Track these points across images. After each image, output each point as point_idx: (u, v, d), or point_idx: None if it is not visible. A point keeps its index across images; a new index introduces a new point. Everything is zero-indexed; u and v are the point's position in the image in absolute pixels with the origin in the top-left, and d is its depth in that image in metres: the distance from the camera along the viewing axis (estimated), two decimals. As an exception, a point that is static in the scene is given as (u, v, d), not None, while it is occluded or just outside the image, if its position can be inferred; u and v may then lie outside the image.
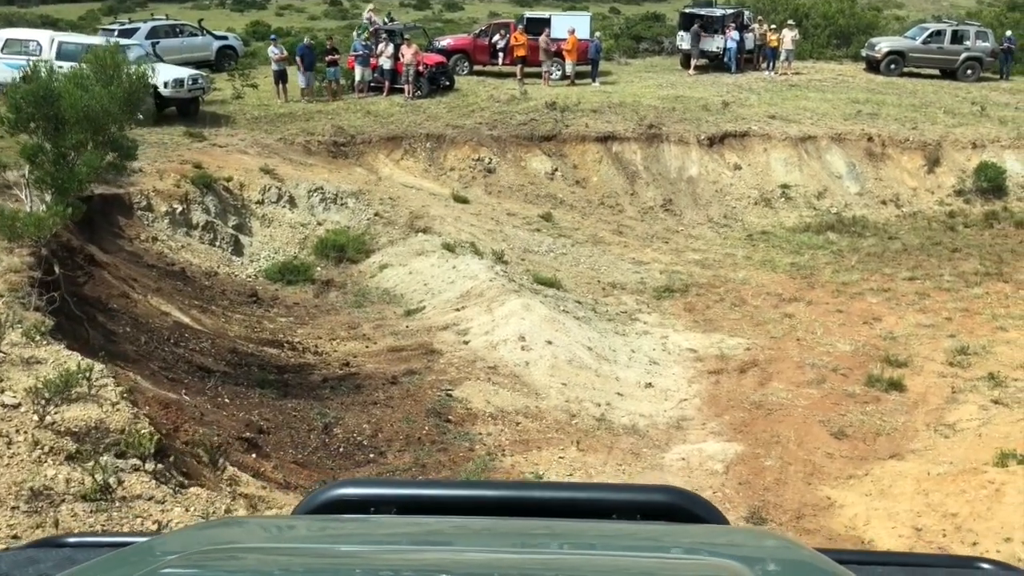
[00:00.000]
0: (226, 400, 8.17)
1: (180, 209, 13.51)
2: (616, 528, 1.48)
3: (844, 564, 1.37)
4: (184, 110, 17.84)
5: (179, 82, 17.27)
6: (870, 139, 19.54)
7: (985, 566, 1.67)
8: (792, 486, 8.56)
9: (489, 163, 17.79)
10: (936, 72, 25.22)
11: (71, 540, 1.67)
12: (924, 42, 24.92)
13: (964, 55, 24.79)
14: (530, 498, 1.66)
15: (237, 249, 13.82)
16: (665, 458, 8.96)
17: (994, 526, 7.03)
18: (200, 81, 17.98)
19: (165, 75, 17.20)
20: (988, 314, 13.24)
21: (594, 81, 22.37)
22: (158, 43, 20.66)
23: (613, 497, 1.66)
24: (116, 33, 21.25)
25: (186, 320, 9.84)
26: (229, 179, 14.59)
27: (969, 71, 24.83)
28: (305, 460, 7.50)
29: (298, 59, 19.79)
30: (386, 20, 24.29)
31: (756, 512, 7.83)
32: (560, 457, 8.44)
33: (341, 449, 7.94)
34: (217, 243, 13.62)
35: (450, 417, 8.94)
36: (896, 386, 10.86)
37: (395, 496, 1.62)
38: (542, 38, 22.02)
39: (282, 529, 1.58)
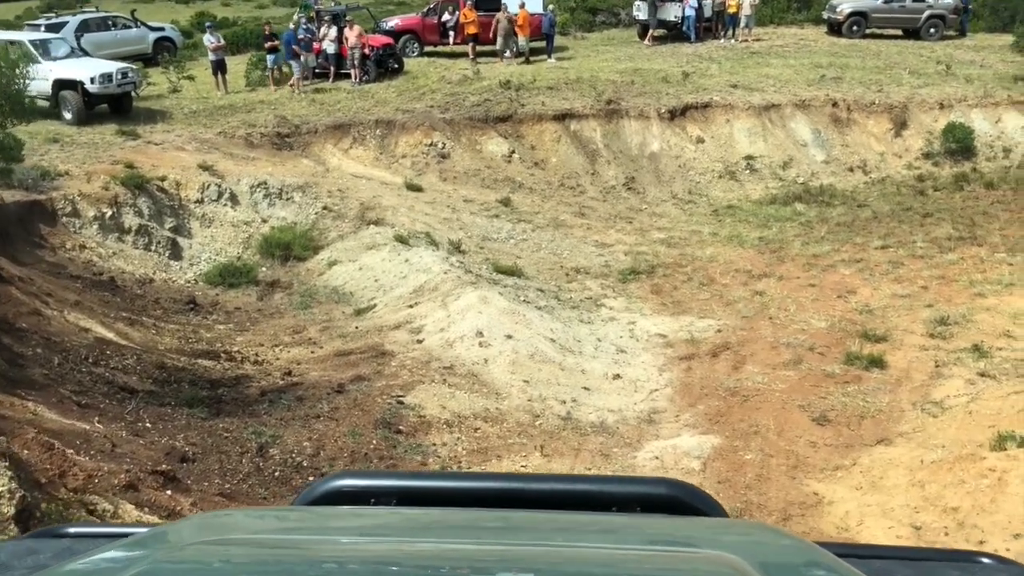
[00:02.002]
0: (147, 425, 7.35)
1: (110, 213, 12.58)
2: (616, 520, 1.48)
3: (843, 557, 1.37)
4: (116, 107, 16.84)
5: (107, 77, 16.25)
6: (835, 104, 18.95)
7: (985, 560, 1.65)
8: (775, 482, 7.91)
9: (443, 148, 16.97)
10: (899, 32, 24.70)
11: (71, 531, 1.66)
12: (886, 1, 24.36)
13: (927, 13, 24.29)
14: (530, 490, 1.65)
15: (175, 253, 12.92)
16: (637, 457, 8.27)
17: (1000, 520, 6.42)
18: (130, 75, 16.95)
19: (92, 70, 16.17)
20: (965, 280, 12.70)
21: (549, 57, 21.57)
22: (82, 37, 19.49)
23: (613, 489, 1.65)
24: (43, 28, 20.13)
25: (109, 335, 8.98)
26: (164, 178, 13.65)
27: (932, 29, 24.34)
28: (233, 490, 6.71)
29: (289, 46, 18.96)
30: (333, 2, 23.24)
31: (739, 515, 7.16)
32: (522, 465, 7.72)
33: (277, 473, 7.16)
34: (153, 248, 12.72)
35: (401, 428, 8.19)
36: (877, 363, 10.27)
37: (395, 487, 1.62)
38: (502, 15, 21.11)
39: (282, 520, 1.56)
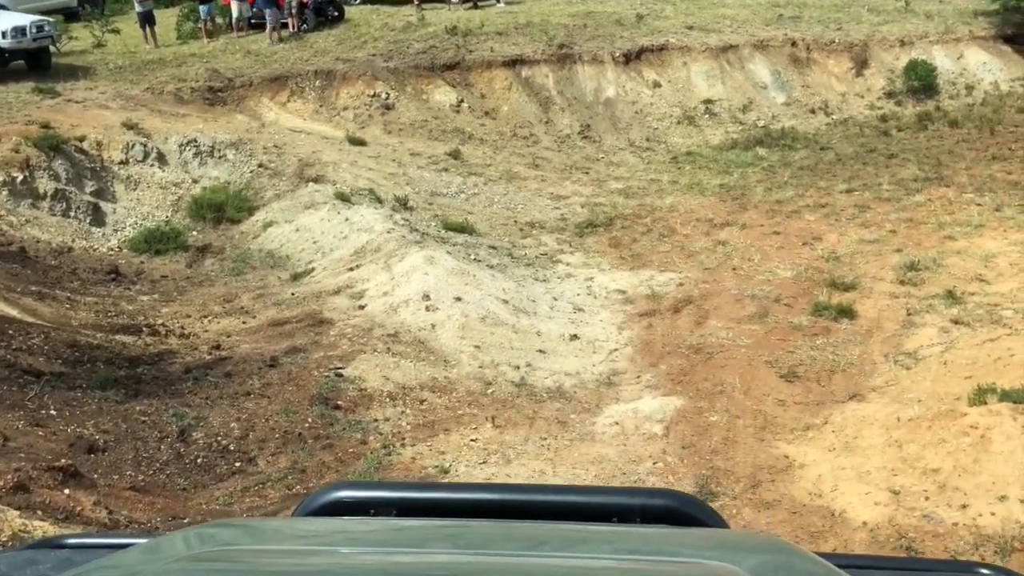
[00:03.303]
0: (52, 412, 6.60)
1: (21, 178, 11.61)
2: (615, 532, 1.47)
3: (842, 568, 1.38)
4: (33, 63, 15.69)
5: (20, 31, 15.08)
6: (794, 44, 18.32)
7: (985, 572, 1.64)
8: (743, 445, 7.38)
9: (387, 99, 16.08)
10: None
11: (71, 542, 1.64)
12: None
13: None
14: (529, 501, 1.65)
15: (97, 219, 12.00)
16: (596, 424, 7.69)
17: (984, 482, 5.94)
18: (47, 28, 15.78)
19: (3, 24, 14.99)
20: (933, 223, 12.24)
21: (498, 1, 20.60)
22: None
23: (613, 501, 1.66)
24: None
25: (12, 313, 8.15)
26: (83, 139, 12.67)
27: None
28: (148, 482, 6.02)
29: None
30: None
31: (705, 483, 6.63)
32: (472, 440, 7.10)
33: (200, 460, 6.47)
34: (72, 214, 11.79)
35: (339, 403, 7.51)
36: (846, 313, 9.77)
37: (394, 498, 1.62)
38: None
39: (281, 531, 1.55)
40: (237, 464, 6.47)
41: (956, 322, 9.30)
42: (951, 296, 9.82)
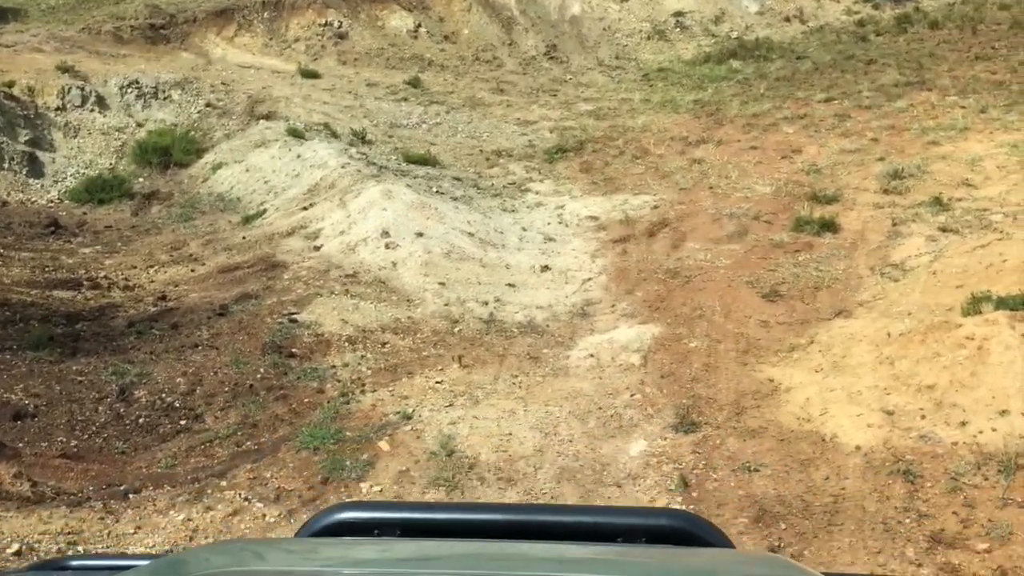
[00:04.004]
0: (-26, 379, 6.06)
1: (-52, 130, 10.85)
2: (621, 552, 1.48)
3: None
4: (-42, 8, 14.73)
5: (-60, -27, 14.08)
6: (765, -51, 17.50)
7: None
8: (725, 370, 6.96)
9: (339, 27, 15.26)
10: None
11: (74, 563, 1.65)
12: None
13: None
14: (535, 522, 1.65)
15: (35, 170, 11.28)
16: (570, 358, 7.24)
17: (983, 396, 5.54)
18: (-30, -31, 14.77)
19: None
20: (916, 128, 11.73)
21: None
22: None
23: (618, 521, 1.64)
24: None
25: (-65, 274, 7.55)
26: (11, 84, 11.85)
27: None
28: (83, 447, 5.54)
29: None
30: None
31: (687, 414, 6.20)
32: (438, 382, 6.63)
33: (142, 419, 5.98)
34: (6, 166, 11.06)
35: (294, 350, 7.01)
36: (828, 226, 9.31)
37: (399, 519, 1.61)
38: None
39: (285, 551, 1.54)
40: (182, 422, 5.98)
41: (944, 230, 8.86)
42: (937, 203, 9.37)
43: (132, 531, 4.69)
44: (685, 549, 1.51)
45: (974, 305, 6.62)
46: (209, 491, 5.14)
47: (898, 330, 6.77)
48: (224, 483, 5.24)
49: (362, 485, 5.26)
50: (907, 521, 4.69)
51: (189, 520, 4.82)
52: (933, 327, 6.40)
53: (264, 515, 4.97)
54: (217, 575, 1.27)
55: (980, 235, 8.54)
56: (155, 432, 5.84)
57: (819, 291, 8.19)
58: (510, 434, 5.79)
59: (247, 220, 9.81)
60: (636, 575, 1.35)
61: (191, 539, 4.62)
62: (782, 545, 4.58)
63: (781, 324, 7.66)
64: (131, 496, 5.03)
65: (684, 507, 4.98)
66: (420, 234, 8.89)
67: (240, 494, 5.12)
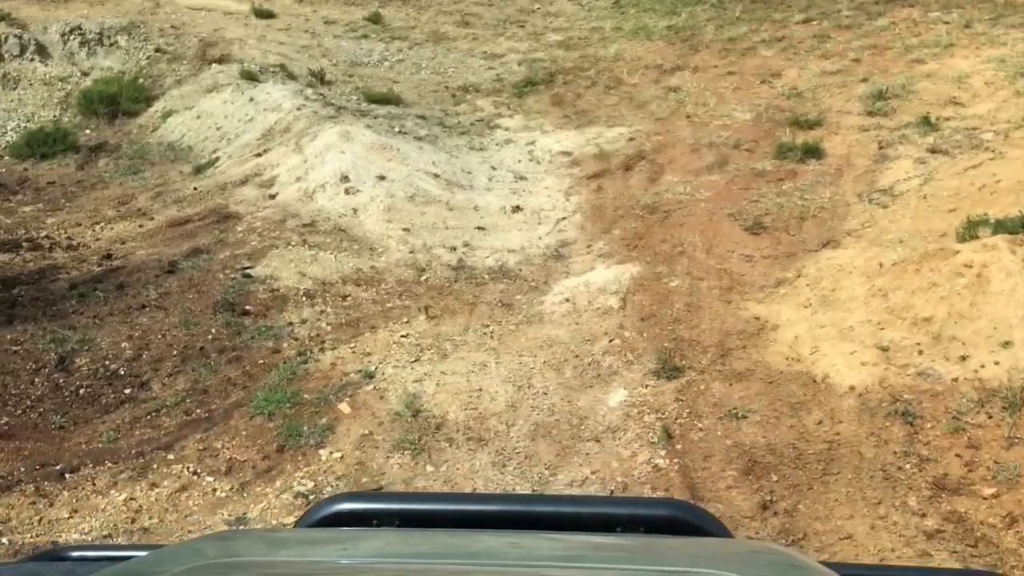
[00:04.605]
0: None
1: None
2: (619, 542, 1.47)
3: None
4: None
5: None
6: None
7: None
8: (708, 310, 6.57)
9: (293, -37, 14.44)
10: None
11: (74, 554, 1.65)
12: None
13: None
14: (534, 512, 1.63)
15: (-28, 126, 10.61)
16: (544, 303, 6.83)
17: (983, 328, 5.17)
18: None
19: None
20: (899, 47, 11.23)
21: None
22: None
23: (617, 511, 1.63)
24: None
25: None
26: (-58, 35, 11.10)
27: None
28: (15, 424, 5.09)
29: None
30: None
31: (668, 358, 5.82)
32: (403, 336, 6.20)
33: (82, 390, 5.53)
34: (-60, 123, 10.39)
35: (248, 308, 6.55)
36: (812, 152, 8.87)
37: (397, 510, 1.61)
38: None
39: (283, 542, 1.54)
40: (127, 391, 5.54)
41: (933, 151, 8.44)
42: (925, 123, 8.93)
43: (67, 515, 4.29)
44: (684, 539, 1.49)
45: (970, 229, 6.23)
46: (155, 466, 4.73)
47: (890, 259, 6.39)
48: (171, 456, 4.83)
49: (321, 452, 4.87)
50: (907, 467, 4.35)
51: (131, 500, 4.41)
52: (928, 255, 6.01)
53: (215, 489, 4.58)
54: (213, 565, 1.27)
55: (971, 155, 8.13)
56: (97, 403, 5.40)
57: (805, 221, 7.79)
58: (480, 390, 5.39)
59: (199, 170, 9.25)
60: (635, 563, 1.33)
61: (133, 521, 4.23)
62: (774, 499, 4.23)
63: (766, 258, 7.27)
64: (67, 476, 4.61)
65: (668, 460, 4.62)
66: (382, 177, 8.37)
67: (188, 468, 4.71)
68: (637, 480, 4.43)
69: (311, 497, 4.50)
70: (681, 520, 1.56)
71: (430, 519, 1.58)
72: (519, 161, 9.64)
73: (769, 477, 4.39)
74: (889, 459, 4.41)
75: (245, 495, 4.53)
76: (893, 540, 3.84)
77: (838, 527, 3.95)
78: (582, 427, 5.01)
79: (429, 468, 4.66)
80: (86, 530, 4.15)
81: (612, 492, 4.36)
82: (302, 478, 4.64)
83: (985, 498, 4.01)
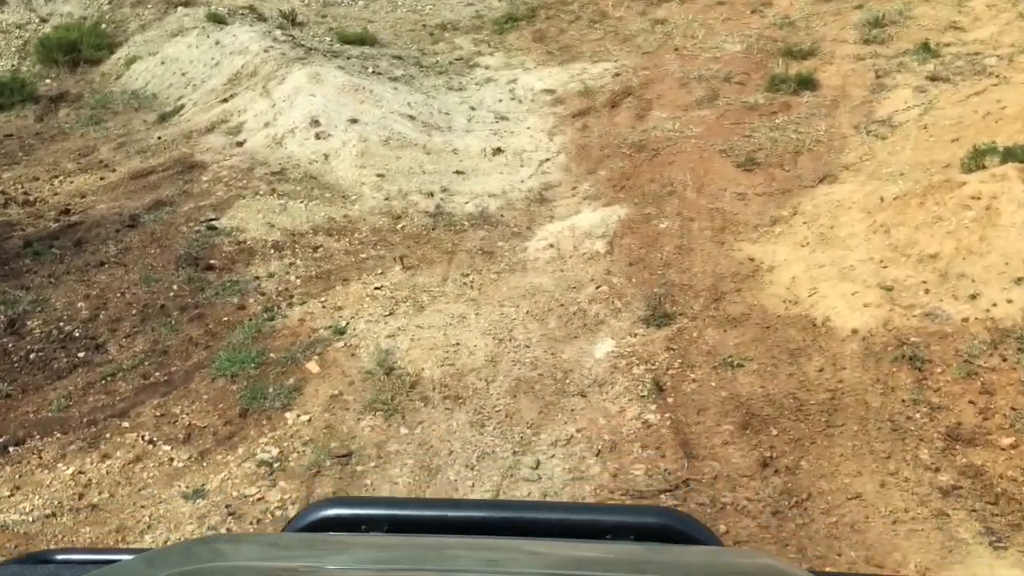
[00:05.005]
0: None
1: None
2: (608, 549, 1.48)
3: None
4: None
5: None
6: None
7: None
8: (700, 252, 6.22)
9: (260, -101, 13.69)
10: None
11: (58, 557, 1.65)
12: None
13: None
14: (523, 519, 1.64)
15: (-75, 78, 10.07)
16: (528, 250, 6.47)
17: (994, 263, 4.83)
18: None
19: None
20: (896, -30, 10.69)
21: None
22: None
23: (607, 518, 1.63)
24: None
25: None
26: None
27: None
28: (-41, 395, 4.73)
29: None
30: None
31: (659, 304, 5.49)
32: (377, 288, 5.84)
33: (33, 355, 5.18)
34: None
35: (212, 262, 6.17)
36: (806, 83, 8.44)
37: (386, 516, 1.61)
38: None
39: (270, 547, 1.54)
40: (81, 355, 5.19)
41: (933, 78, 8.02)
42: (924, 50, 8.48)
43: (8, 493, 3.96)
44: (673, 547, 1.49)
45: (976, 159, 5.86)
46: (108, 435, 4.40)
47: (891, 193, 6.02)
48: (126, 424, 4.50)
49: (287, 415, 4.54)
50: (918, 416, 4.03)
51: (80, 473, 4.09)
52: (932, 187, 5.64)
53: (171, 459, 4.25)
54: (201, 570, 1.26)
55: (973, 82, 7.71)
56: (48, 368, 5.05)
57: (800, 156, 7.40)
58: (458, 344, 5.05)
59: (163, 118, 8.78)
60: (624, 571, 1.33)
61: (80, 497, 3.90)
62: (774, 455, 3.92)
63: (760, 195, 6.90)
64: (11, 450, 4.28)
65: (659, 415, 4.31)
66: (354, 121, 7.93)
67: (144, 436, 4.38)
68: (626, 438, 4.12)
69: (275, 465, 4.18)
70: (670, 528, 1.54)
71: (418, 525, 1.57)
72: (500, 101, 9.19)
73: (768, 431, 4.07)
74: (897, 408, 4.10)
75: (204, 464, 4.21)
76: (906, 499, 3.54)
77: (845, 486, 3.64)
78: (567, 381, 4.68)
79: (403, 430, 4.34)
80: (27, 509, 3.83)
81: (599, 452, 4.05)
82: (266, 444, 4.32)
83: (1003, 449, 3.71)
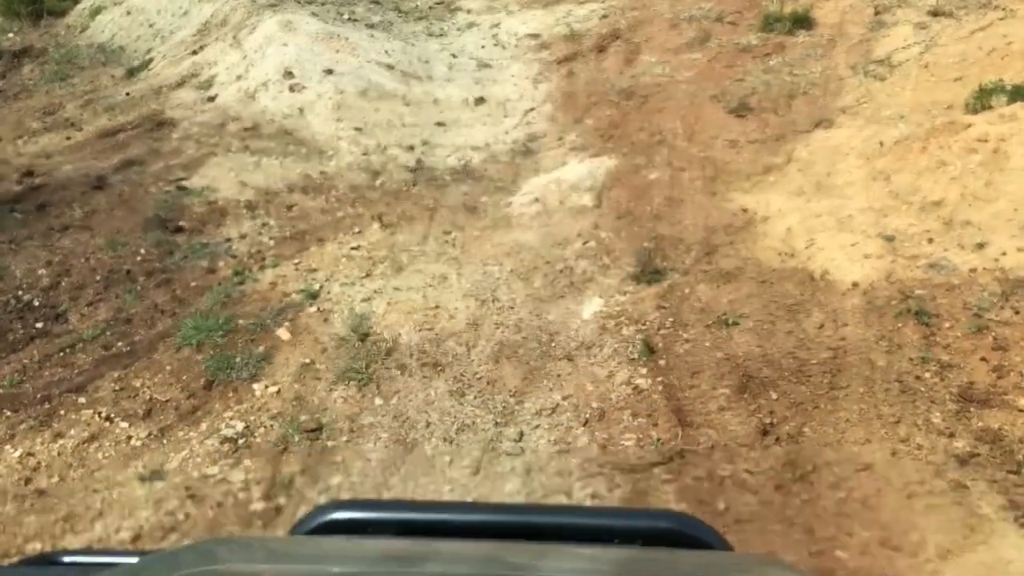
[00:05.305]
0: None
1: None
2: (616, 554, 1.46)
3: None
4: None
5: None
6: None
7: None
8: (691, 202, 5.94)
9: None
10: None
11: (65, 559, 1.65)
12: None
13: None
14: (530, 523, 1.63)
15: None
16: (512, 205, 6.17)
17: (1003, 210, 4.56)
18: None
19: None
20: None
21: None
22: None
23: (615, 523, 1.63)
24: None
25: None
26: None
27: None
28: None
29: None
30: None
31: (649, 259, 5.22)
32: (353, 248, 5.56)
33: (-10, 328, 4.88)
34: None
35: (182, 224, 5.87)
36: (802, 22, 8.11)
37: (393, 519, 1.61)
38: None
39: (276, 550, 1.54)
40: (39, 325, 4.91)
41: (935, 14, 7.67)
42: (928, -17, 8.11)
43: (-49, 480, 3.72)
44: (682, 552, 1.46)
45: (982, 99, 5.55)
46: (62, 412, 4.14)
47: (891, 138, 5.72)
48: (83, 399, 4.24)
49: (255, 386, 4.28)
50: (927, 376, 3.79)
51: (29, 455, 3.83)
52: (935, 130, 5.35)
53: (129, 437, 4.00)
54: (206, 573, 1.24)
55: (978, 16, 7.37)
56: (3, 341, 4.77)
57: (794, 99, 7.08)
58: (437, 307, 4.79)
59: (131, 73, 8.38)
60: None
61: (27, 482, 3.65)
62: (775, 421, 3.68)
63: (753, 142, 6.60)
64: (-41, 431, 4.03)
65: (650, 380, 4.06)
66: (329, 71, 7.56)
67: (101, 412, 4.13)
68: (615, 405, 3.88)
69: (240, 442, 3.94)
70: (680, 532, 1.51)
71: (424, 528, 1.56)
72: (482, 47, 8.81)
73: (767, 395, 3.83)
74: (905, 367, 3.86)
75: (165, 442, 3.96)
76: (920, 469, 3.30)
77: (853, 455, 3.40)
78: (552, 344, 4.43)
79: (378, 401, 4.09)
80: (-29, 498, 3.58)
81: (587, 421, 3.81)
82: (232, 418, 4.07)
83: (1021, 410, 3.47)
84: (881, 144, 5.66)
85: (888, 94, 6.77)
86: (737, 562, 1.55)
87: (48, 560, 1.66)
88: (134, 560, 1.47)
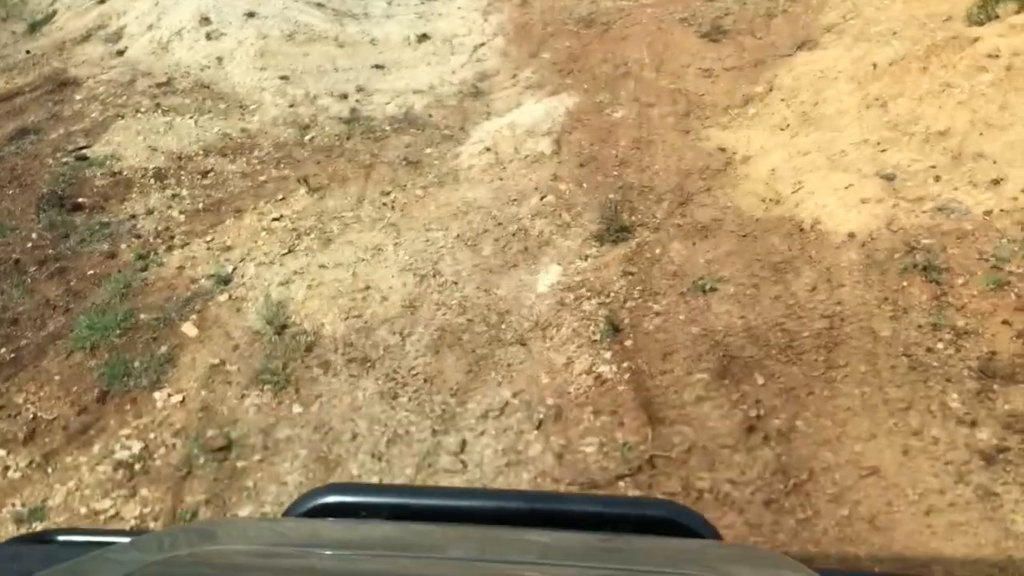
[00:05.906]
0: None
1: None
2: (608, 541, 1.48)
3: None
4: None
5: None
6: None
7: None
8: (662, 143, 5.25)
9: None
10: None
11: (59, 537, 1.65)
12: None
13: None
14: (522, 509, 1.64)
15: None
16: (460, 156, 5.47)
17: (1020, 137, 3.90)
18: None
19: None
20: None
21: None
22: None
23: (607, 510, 1.64)
24: None
25: None
26: None
27: None
28: None
29: None
30: None
31: (615, 214, 4.56)
32: (275, 219, 4.86)
33: None
34: None
35: (80, 200, 5.14)
36: (776, -67, 7.29)
37: (386, 503, 1.62)
38: None
39: (269, 532, 1.55)
40: (-92, 336, 4.21)
41: (923, -86, 6.89)
42: None
43: None
44: (673, 540, 1.44)
45: (986, 7, 4.84)
46: (-76, 444, 3.48)
47: (886, 58, 5.02)
48: (-49, 426, 3.58)
49: (156, 396, 3.63)
50: (940, 347, 3.17)
51: None
52: (936, 47, 4.65)
53: (6, 468, 3.36)
54: (198, 554, 1.25)
55: (971, -84, 6.60)
56: None
57: (773, 19, 6.37)
58: (368, 287, 4.11)
59: (33, 28, 7.52)
60: (623, 563, 1.29)
61: None
62: (762, 413, 3.06)
63: (729, 70, 5.89)
64: None
65: (615, 367, 3.43)
66: (251, 15, 6.75)
67: (-29, 441, 3.47)
68: (574, 400, 3.25)
69: (136, 467, 3.30)
70: (671, 521, 1.50)
71: (417, 513, 1.53)
72: (426, -22, 7.98)
73: (752, 379, 3.20)
74: (913, 336, 3.23)
75: (49, 471, 3.33)
76: (939, 472, 2.70)
77: (856, 456, 2.80)
78: (502, 326, 3.78)
79: (296, 409, 3.45)
80: None
81: (540, 423, 3.18)
82: (128, 437, 3.43)
83: (1057, 389, 2.87)
84: (874, 66, 4.97)
85: (876, 7, 6.05)
86: (729, 552, 1.54)
87: (41, 539, 1.62)
88: (126, 540, 1.47)
